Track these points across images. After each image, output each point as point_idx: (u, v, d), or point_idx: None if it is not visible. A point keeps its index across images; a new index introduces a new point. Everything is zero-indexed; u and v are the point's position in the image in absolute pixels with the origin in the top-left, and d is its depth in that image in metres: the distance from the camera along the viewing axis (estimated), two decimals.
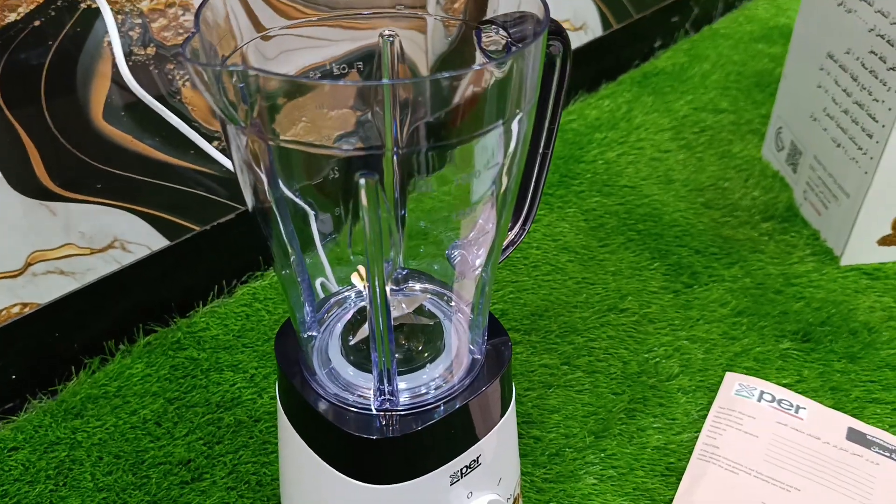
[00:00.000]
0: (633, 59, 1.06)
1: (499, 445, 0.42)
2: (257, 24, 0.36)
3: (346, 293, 0.45)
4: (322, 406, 0.39)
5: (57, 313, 0.61)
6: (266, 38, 0.37)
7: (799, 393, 0.60)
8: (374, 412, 0.38)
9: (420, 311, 0.43)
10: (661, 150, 0.87)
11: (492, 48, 0.36)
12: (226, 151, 0.40)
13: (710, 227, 0.76)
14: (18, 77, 0.52)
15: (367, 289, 0.36)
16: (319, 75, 0.39)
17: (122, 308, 0.65)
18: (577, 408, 0.59)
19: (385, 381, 0.38)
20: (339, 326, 0.43)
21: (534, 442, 0.57)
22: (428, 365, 0.40)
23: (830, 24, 0.71)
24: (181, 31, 0.59)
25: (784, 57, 0.82)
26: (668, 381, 0.61)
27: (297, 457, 0.42)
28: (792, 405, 0.58)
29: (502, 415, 0.42)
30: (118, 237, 0.62)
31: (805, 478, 0.53)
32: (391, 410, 0.38)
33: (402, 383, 0.39)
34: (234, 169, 0.36)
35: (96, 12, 0.54)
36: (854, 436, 0.56)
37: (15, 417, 0.59)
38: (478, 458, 0.40)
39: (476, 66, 0.38)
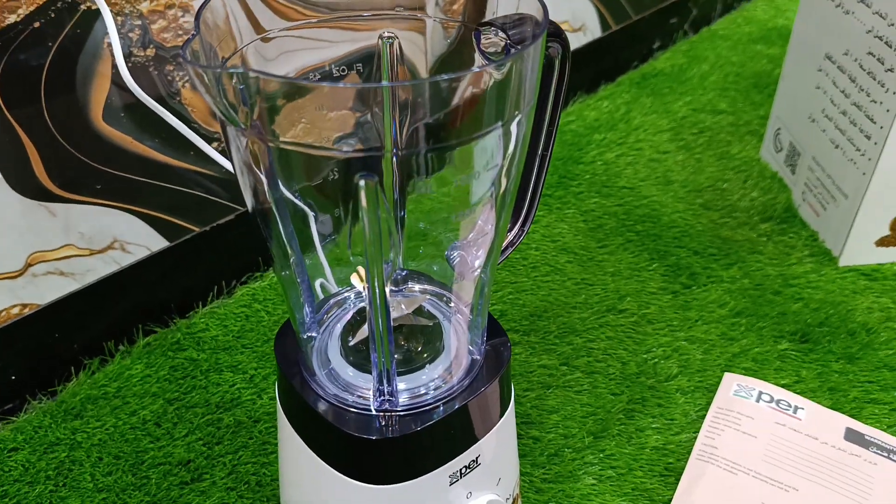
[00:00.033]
0: (632, 61, 1.06)
1: (498, 446, 0.42)
2: (257, 26, 0.37)
3: (345, 294, 0.45)
4: (322, 406, 0.39)
5: (57, 314, 0.61)
6: (266, 39, 0.37)
7: (797, 393, 0.60)
8: (374, 413, 0.38)
9: (419, 311, 0.43)
10: (659, 151, 0.87)
11: (491, 50, 0.36)
12: (225, 153, 0.40)
13: (708, 228, 0.76)
14: (18, 78, 0.53)
15: (366, 290, 0.36)
16: (319, 77, 0.40)
17: (122, 309, 0.65)
18: (576, 408, 0.59)
19: (384, 381, 0.38)
20: (339, 327, 0.43)
21: (533, 442, 0.57)
22: (427, 366, 0.40)
23: (829, 25, 0.71)
24: (181, 32, 0.59)
25: (783, 58, 0.82)
26: (667, 382, 0.61)
27: (296, 457, 0.42)
28: (790, 405, 0.58)
29: (501, 415, 0.42)
30: (118, 238, 0.62)
31: (803, 478, 0.54)
32: (391, 411, 0.38)
33: (401, 384, 0.39)
34: (234, 170, 0.36)
35: (96, 14, 0.54)
36: (852, 436, 0.56)
37: (15, 418, 0.59)
38: (477, 458, 0.41)
39: (475, 68, 0.38)
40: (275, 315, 0.67)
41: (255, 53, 0.37)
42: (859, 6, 0.66)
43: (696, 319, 0.66)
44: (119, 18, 0.55)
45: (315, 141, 0.32)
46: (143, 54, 0.57)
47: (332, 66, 0.40)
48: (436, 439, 0.39)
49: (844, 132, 0.70)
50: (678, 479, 0.54)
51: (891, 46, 0.63)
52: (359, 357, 0.41)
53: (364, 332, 0.42)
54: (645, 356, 0.63)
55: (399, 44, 0.40)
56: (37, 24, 0.52)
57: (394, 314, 0.43)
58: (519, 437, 0.55)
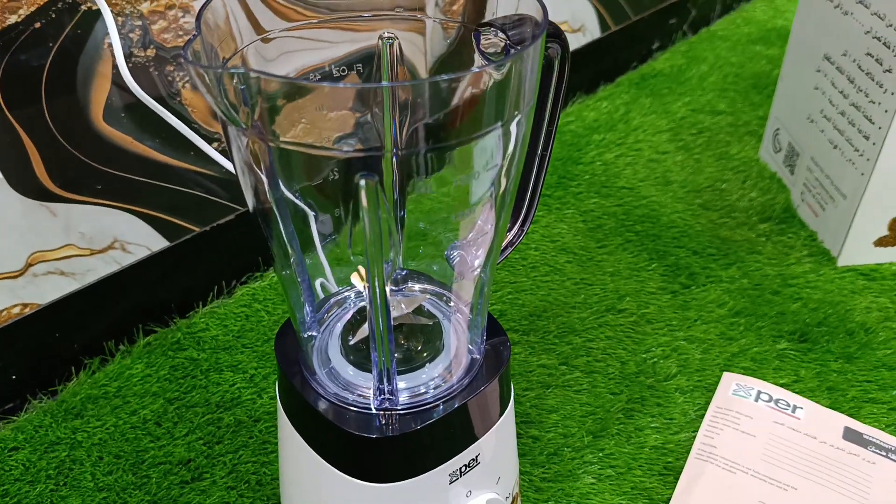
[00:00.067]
0: (631, 61, 1.06)
1: (497, 444, 0.42)
2: (257, 27, 0.37)
3: (345, 293, 0.45)
4: (322, 405, 0.39)
5: (57, 314, 0.61)
6: (266, 40, 0.37)
7: (796, 393, 0.60)
8: (374, 411, 0.38)
9: (419, 311, 0.44)
10: (658, 151, 0.87)
11: (490, 50, 0.36)
12: (225, 153, 0.40)
13: (707, 228, 0.76)
14: (19, 78, 0.53)
15: (366, 289, 0.36)
16: (319, 77, 0.40)
17: (122, 308, 0.65)
18: (576, 407, 0.59)
19: (385, 380, 0.38)
20: (339, 326, 0.43)
21: (532, 441, 0.57)
22: (427, 365, 0.41)
23: (828, 26, 0.71)
24: (181, 33, 0.59)
25: (781, 59, 0.83)
26: (666, 381, 0.61)
27: (297, 456, 0.42)
28: (789, 405, 0.59)
29: (501, 414, 0.42)
30: (118, 238, 0.62)
31: (802, 477, 0.54)
32: (391, 410, 0.38)
33: (401, 383, 0.40)
34: (235, 170, 0.36)
35: (97, 14, 0.54)
36: (850, 435, 0.57)
37: (15, 417, 0.59)
38: (477, 457, 0.41)
39: (475, 69, 0.38)
40: (275, 315, 0.67)
41: (255, 54, 0.37)
42: (858, 7, 0.66)
43: (695, 319, 0.66)
44: (119, 19, 0.55)
45: (315, 141, 0.33)
46: (143, 55, 0.57)
47: (333, 66, 0.40)
48: (436, 438, 0.39)
49: (843, 133, 0.70)
50: (677, 479, 0.54)
51: (889, 47, 0.63)
52: (359, 356, 0.41)
53: (364, 331, 0.42)
54: (644, 356, 0.63)
55: (399, 44, 0.40)
56: (37, 25, 0.52)
57: (394, 313, 0.43)
58: (518, 436, 0.56)
